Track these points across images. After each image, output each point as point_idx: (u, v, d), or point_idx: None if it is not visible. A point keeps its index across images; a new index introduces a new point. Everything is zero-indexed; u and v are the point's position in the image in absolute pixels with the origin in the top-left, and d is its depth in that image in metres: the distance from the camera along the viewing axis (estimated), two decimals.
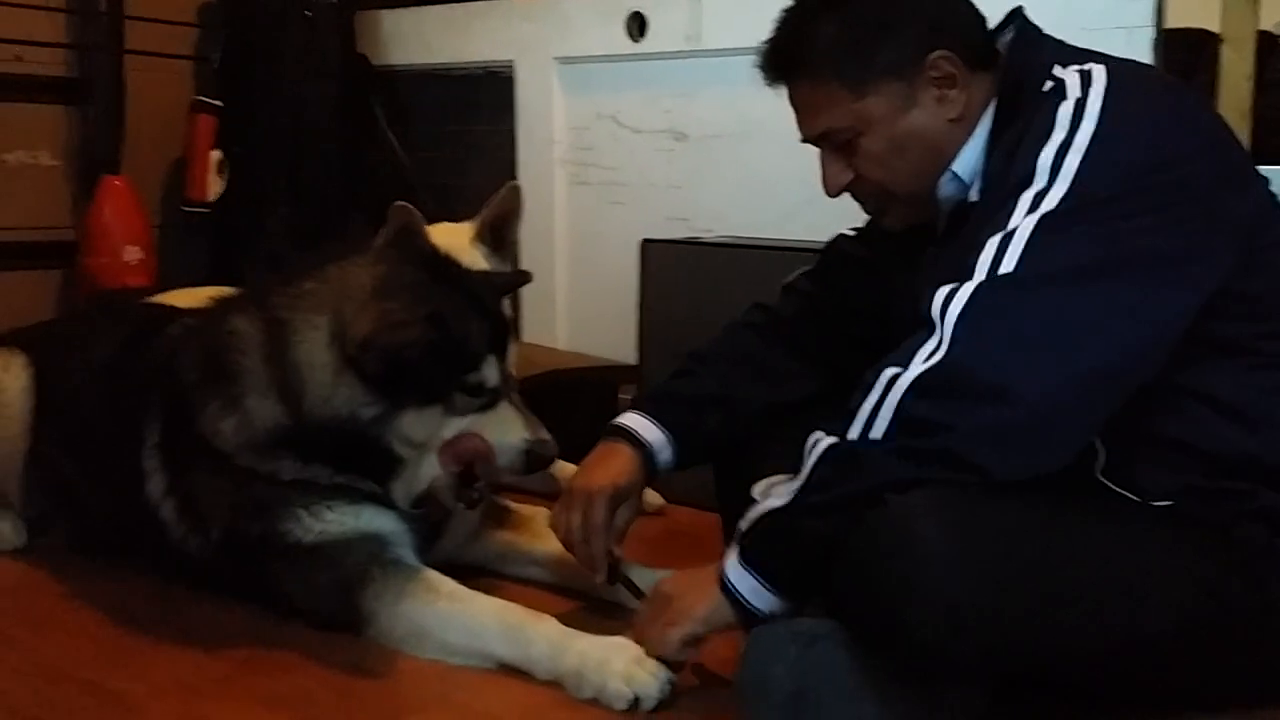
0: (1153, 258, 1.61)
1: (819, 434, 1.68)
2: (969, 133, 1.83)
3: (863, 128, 1.83)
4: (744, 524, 1.75)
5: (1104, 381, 1.59)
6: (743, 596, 1.74)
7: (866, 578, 1.61)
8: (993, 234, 1.63)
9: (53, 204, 3.80)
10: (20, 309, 3.37)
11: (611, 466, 2.07)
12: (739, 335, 2.20)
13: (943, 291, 1.62)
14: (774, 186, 3.21)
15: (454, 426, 2.07)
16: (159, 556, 2.29)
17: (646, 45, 3.43)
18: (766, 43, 1.91)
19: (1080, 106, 1.65)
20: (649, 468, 2.10)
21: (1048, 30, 1.87)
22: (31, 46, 3.68)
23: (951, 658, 1.59)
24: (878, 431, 1.61)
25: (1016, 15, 1.89)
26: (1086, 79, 1.69)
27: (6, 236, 3.67)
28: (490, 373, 2.07)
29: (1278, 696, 1.79)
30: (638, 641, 1.84)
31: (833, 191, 1.91)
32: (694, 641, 1.81)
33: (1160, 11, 2.65)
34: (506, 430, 2.09)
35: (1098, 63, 1.73)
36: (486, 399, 2.07)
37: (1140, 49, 2.61)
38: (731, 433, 2.13)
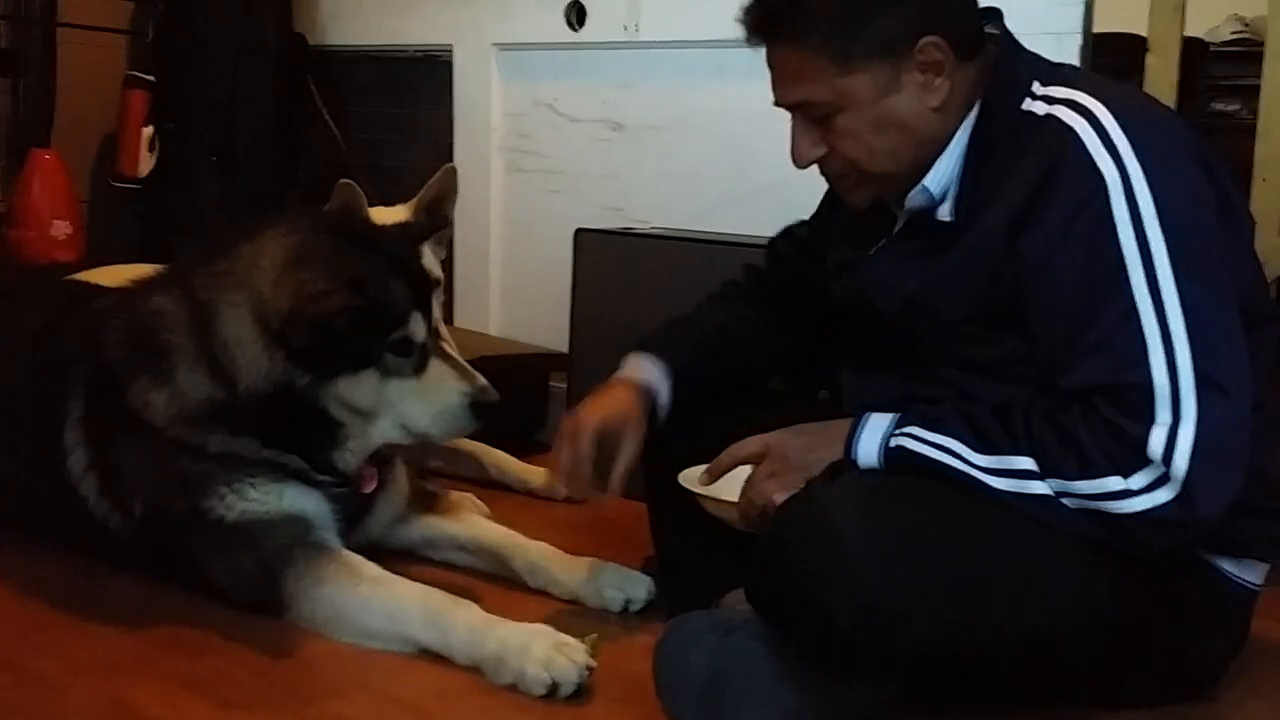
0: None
1: (1040, 456, 1.63)
2: (946, 127, 1.80)
3: (843, 104, 1.77)
4: (910, 442, 1.70)
5: None
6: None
7: (787, 569, 1.63)
8: (1126, 330, 1.61)
9: None
10: None
11: (601, 401, 2.05)
12: (725, 293, 2.22)
13: (1156, 433, 1.58)
14: (709, 179, 3.23)
15: (390, 389, 2.07)
16: (79, 534, 2.28)
17: (585, 34, 3.43)
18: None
19: (1122, 168, 1.64)
20: (650, 402, 2.07)
21: None
22: None
23: (868, 649, 1.61)
24: (1075, 503, 1.62)
25: (993, 14, 1.86)
26: (1095, 122, 1.67)
27: None
28: (416, 328, 2.07)
29: (1186, 695, 1.85)
30: (748, 499, 1.83)
31: (801, 163, 1.85)
32: None
33: (1089, 17, 2.68)
34: (444, 390, 2.09)
35: (1082, 90, 1.72)
36: (416, 357, 2.08)
37: (1069, 54, 2.64)
38: (708, 382, 2.12)
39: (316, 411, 2.08)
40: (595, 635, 1.90)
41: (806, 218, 2.20)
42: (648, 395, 2.07)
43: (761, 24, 1.82)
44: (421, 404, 2.09)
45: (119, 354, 2.17)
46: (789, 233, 2.24)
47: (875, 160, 1.81)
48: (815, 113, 1.80)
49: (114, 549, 2.23)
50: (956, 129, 1.81)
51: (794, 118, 1.84)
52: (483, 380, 2.11)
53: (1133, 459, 1.58)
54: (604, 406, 2.03)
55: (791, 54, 1.79)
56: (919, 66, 1.76)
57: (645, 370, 2.09)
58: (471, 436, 2.90)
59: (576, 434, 2.00)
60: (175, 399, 2.11)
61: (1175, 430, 1.57)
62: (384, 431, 2.11)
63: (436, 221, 2.44)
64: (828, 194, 2.10)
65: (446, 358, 2.12)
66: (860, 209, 1.91)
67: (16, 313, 2.53)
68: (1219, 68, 4.55)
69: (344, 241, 2.09)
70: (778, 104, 1.85)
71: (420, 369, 2.09)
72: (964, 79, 1.79)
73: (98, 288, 2.54)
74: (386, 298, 2.04)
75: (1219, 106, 4.53)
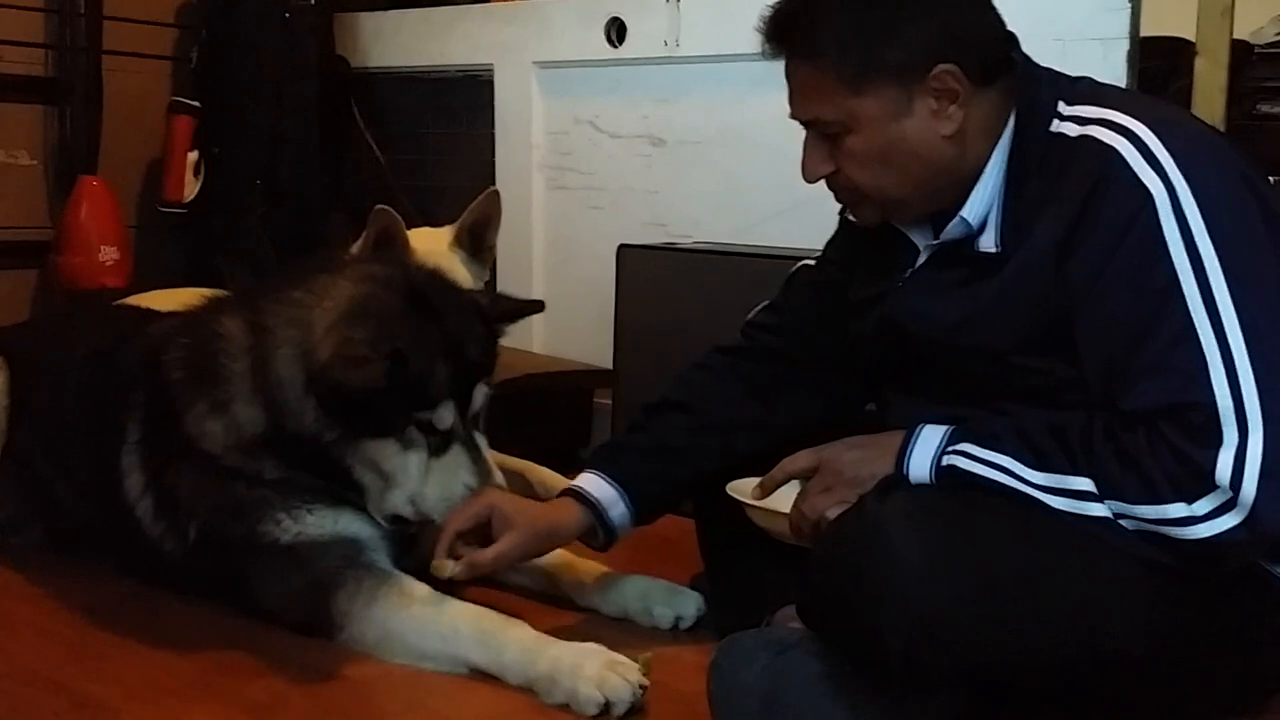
0: None
1: (1100, 475, 1.61)
2: (964, 156, 1.77)
3: (852, 125, 1.75)
4: (963, 460, 1.69)
5: None
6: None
7: (842, 585, 1.62)
8: (1184, 347, 1.58)
9: (30, 204, 3.78)
10: None
11: (534, 506, 2.06)
12: (695, 381, 2.15)
13: (1224, 456, 1.56)
14: (751, 193, 3.23)
15: (409, 462, 2.05)
16: (133, 556, 2.29)
17: (625, 51, 3.43)
18: (773, 9, 1.82)
19: (1168, 183, 1.62)
20: (604, 526, 2.07)
21: (1024, 41, 1.84)
22: (9, 46, 3.67)
23: (923, 667, 1.60)
24: (1135, 525, 1.61)
25: (1010, 39, 1.82)
26: (1136, 139, 1.65)
27: None
28: (444, 416, 2.04)
29: (1246, 707, 1.82)
30: (800, 513, 1.82)
31: (809, 178, 1.83)
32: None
33: (1136, 22, 2.65)
34: (453, 480, 2.06)
35: (1112, 107, 1.70)
36: (439, 440, 2.05)
37: (1115, 59, 2.62)
38: (692, 480, 2.11)
39: (339, 466, 2.07)
40: (648, 655, 1.89)
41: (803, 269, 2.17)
42: (599, 515, 2.06)
43: (776, 36, 1.81)
44: (431, 485, 2.06)
45: (180, 375, 2.17)
46: (771, 306, 2.19)
47: (879, 187, 1.79)
48: (826, 130, 1.79)
49: (167, 572, 2.24)
50: (982, 158, 1.78)
51: (807, 132, 1.83)
52: (497, 479, 2.08)
53: (1199, 485, 1.55)
54: (518, 503, 2.06)
55: (804, 70, 1.78)
56: (933, 93, 1.74)
57: (598, 488, 2.07)
58: (514, 452, 2.92)
59: (462, 509, 2.03)
60: (231, 430, 2.11)
61: (1243, 450, 1.54)
62: (396, 501, 2.08)
63: (529, 307, 2.32)
64: (838, 232, 2.10)
65: (471, 448, 2.08)
66: (868, 226, 1.89)
67: (74, 336, 2.55)
68: (1264, 70, 4.49)
69: (412, 306, 2.05)
70: (792, 117, 1.83)
71: (440, 452, 2.06)
72: (983, 107, 1.77)
73: (152, 311, 2.57)
74: (423, 379, 2.00)
75: (1265, 109, 4.47)
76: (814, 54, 1.76)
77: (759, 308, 2.20)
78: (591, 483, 2.08)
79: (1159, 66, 2.96)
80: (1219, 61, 2.68)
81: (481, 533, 2.03)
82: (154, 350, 2.25)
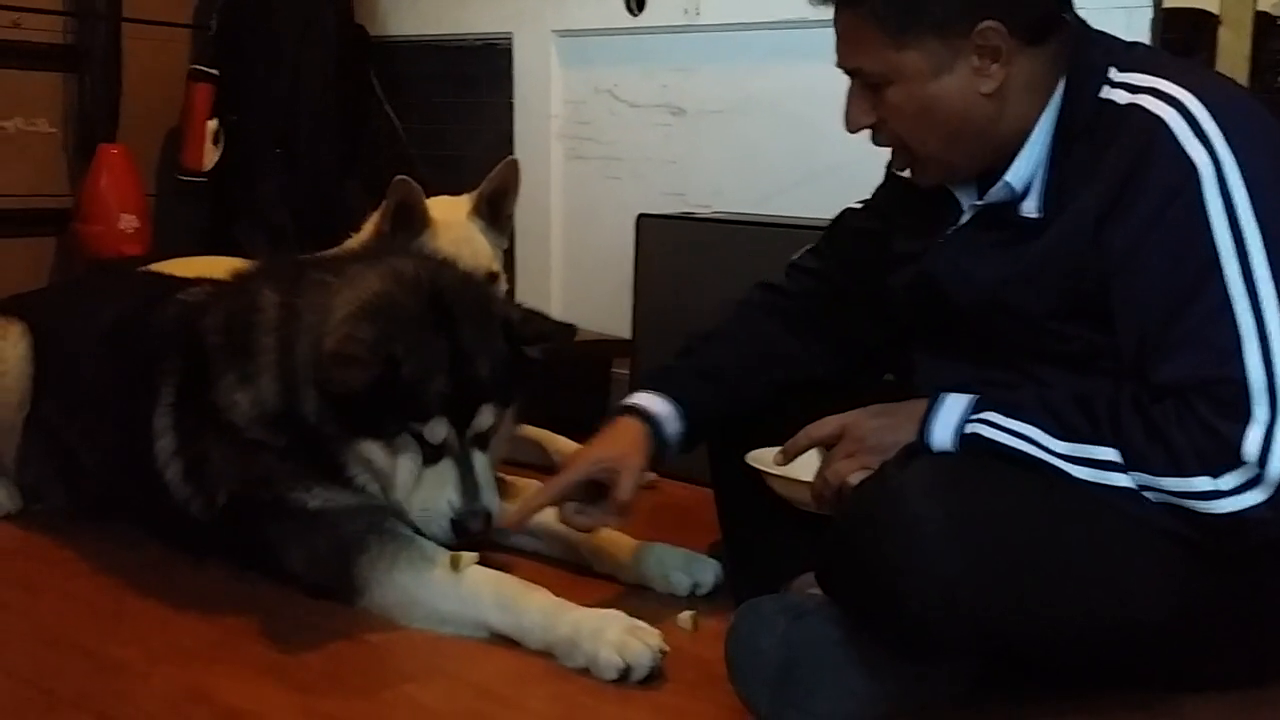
0: None
1: (1122, 445, 1.61)
2: (1006, 116, 1.76)
3: (893, 78, 1.75)
4: (986, 429, 1.68)
5: None
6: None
7: (862, 553, 1.62)
8: (1220, 322, 1.58)
9: (50, 171, 3.79)
10: (15, 276, 3.38)
11: (605, 439, 2.06)
12: (742, 314, 2.17)
13: (1253, 432, 1.55)
14: (770, 162, 3.22)
15: (399, 467, 2.06)
16: (158, 519, 2.31)
17: (645, 19, 3.42)
18: None
19: (1214, 156, 1.61)
20: (658, 439, 2.06)
21: None
22: (30, 13, 3.67)
23: (943, 635, 1.60)
24: (1159, 498, 1.61)
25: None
26: (1184, 111, 1.64)
27: (4, 204, 3.66)
28: (436, 431, 2.04)
29: (1264, 678, 1.82)
30: (823, 479, 1.82)
31: (851, 128, 1.83)
32: None
33: None
34: (437, 495, 2.06)
35: (1163, 76, 1.68)
36: (431, 451, 2.06)
37: (1139, 28, 2.61)
38: (734, 409, 2.11)
39: (336, 462, 2.08)
40: (694, 612, 1.94)
41: (856, 205, 2.16)
42: (656, 429, 2.06)
43: None
44: (415, 495, 2.07)
45: (216, 340, 2.17)
46: (815, 250, 2.19)
47: (919, 140, 1.79)
48: (869, 80, 1.79)
49: (192, 535, 2.26)
50: (1025, 119, 1.77)
51: (851, 81, 1.83)
52: (484, 504, 2.07)
53: (1225, 460, 1.55)
54: (601, 445, 2.06)
55: (849, 18, 1.79)
56: (975, 50, 1.73)
57: (653, 404, 2.07)
58: (532, 422, 2.92)
59: (564, 470, 2.07)
60: (256, 403, 2.11)
61: (1273, 428, 1.54)
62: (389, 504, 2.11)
63: (562, 333, 2.29)
64: (883, 184, 2.09)
65: (464, 466, 2.07)
66: (924, 187, 1.89)
67: (98, 303, 2.56)
68: None
69: (428, 314, 2.04)
70: (837, 65, 1.83)
71: (431, 462, 2.07)
72: (1029, 66, 1.75)
73: (173, 277, 2.58)
74: (416, 390, 1.99)
75: None
76: (858, 2, 1.76)
77: (804, 250, 2.20)
78: (648, 399, 2.08)
79: (1182, 39, 2.94)
80: (1242, 33, 2.67)
81: (590, 492, 2.05)
82: (193, 313, 2.26)
